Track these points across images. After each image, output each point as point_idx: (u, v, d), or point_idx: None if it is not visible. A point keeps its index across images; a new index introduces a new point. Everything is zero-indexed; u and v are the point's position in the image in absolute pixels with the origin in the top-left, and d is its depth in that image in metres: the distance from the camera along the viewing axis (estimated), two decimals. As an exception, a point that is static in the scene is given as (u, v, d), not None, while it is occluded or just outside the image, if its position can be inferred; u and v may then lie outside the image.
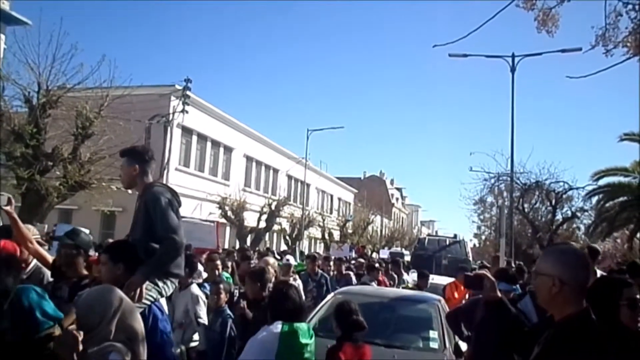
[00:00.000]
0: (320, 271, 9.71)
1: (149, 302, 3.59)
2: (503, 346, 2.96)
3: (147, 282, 3.57)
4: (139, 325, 2.86)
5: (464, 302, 7.76)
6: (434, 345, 6.12)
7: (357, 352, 4.03)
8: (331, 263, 11.82)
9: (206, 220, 15.83)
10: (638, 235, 22.61)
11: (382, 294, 7.42)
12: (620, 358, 2.44)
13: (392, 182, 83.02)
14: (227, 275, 7.89)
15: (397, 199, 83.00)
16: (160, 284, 3.70)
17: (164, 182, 24.34)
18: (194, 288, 5.97)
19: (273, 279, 6.04)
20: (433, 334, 6.27)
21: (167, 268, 3.71)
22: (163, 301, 4.01)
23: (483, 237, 45.19)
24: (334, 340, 4.26)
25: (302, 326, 3.55)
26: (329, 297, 7.31)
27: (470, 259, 21.06)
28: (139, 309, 3.39)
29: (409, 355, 5.73)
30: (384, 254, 19.62)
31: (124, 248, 3.78)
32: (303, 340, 3.47)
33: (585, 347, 2.28)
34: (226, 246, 20.23)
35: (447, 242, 21.83)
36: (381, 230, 55.69)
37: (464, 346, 6.39)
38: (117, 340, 2.67)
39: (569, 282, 2.41)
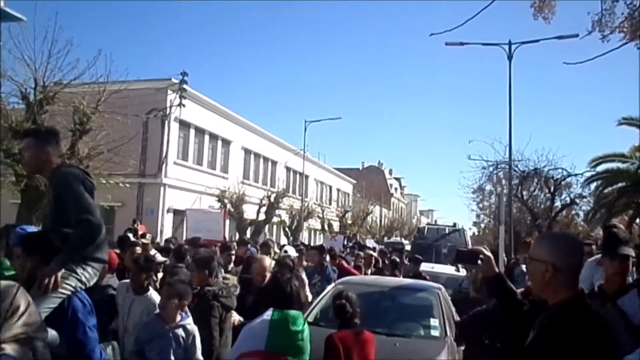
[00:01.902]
0: (327, 264, 9.33)
1: (67, 292, 3.33)
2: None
3: (64, 271, 3.29)
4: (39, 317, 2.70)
5: None
6: (435, 333, 6.17)
7: (357, 338, 4.05)
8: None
9: (212, 209, 15.93)
10: (637, 220, 22.65)
11: (383, 283, 7.47)
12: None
13: (390, 172, 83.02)
14: None
15: (395, 189, 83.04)
16: (79, 270, 3.40)
17: (163, 176, 24.49)
18: (153, 295, 5.14)
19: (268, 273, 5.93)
20: (434, 322, 6.32)
21: (86, 253, 3.42)
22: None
23: (482, 226, 45.31)
24: (335, 329, 4.30)
25: (293, 313, 3.55)
26: (329, 287, 7.36)
27: (470, 247, 21.08)
28: (57, 299, 3.23)
29: (410, 343, 5.78)
30: (370, 243, 19.49)
31: (39, 238, 3.54)
32: (293, 328, 3.47)
33: (581, 331, 2.30)
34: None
35: (447, 231, 21.87)
36: (380, 221, 55.79)
37: (464, 333, 6.44)
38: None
39: (562, 268, 2.45)
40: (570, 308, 2.41)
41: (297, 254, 9.18)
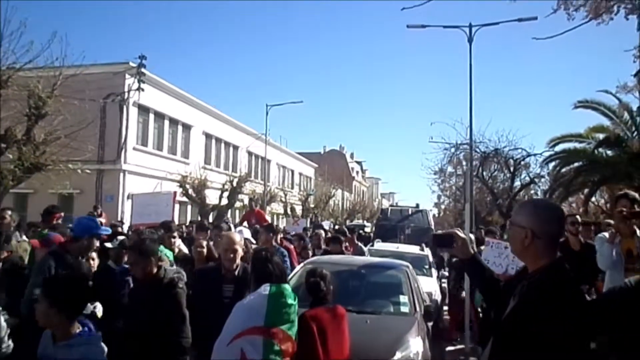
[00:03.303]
0: (277, 245, 8.88)
1: None
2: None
3: None
4: None
5: None
6: (404, 309, 6.26)
7: (330, 315, 4.05)
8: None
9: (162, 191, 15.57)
10: (592, 199, 23.33)
11: (351, 262, 7.51)
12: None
13: (352, 156, 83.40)
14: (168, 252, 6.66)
15: (357, 173, 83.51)
16: None
17: (122, 162, 24.03)
18: None
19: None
20: (403, 298, 6.42)
21: None
22: None
23: (442, 207, 46.09)
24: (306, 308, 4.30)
25: (287, 287, 3.63)
26: (298, 267, 7.37)
27: (432, 227, 21.43)
28: None
29: (381, 320, 5.85)
30: (326, 225, 19.52)
31: None
32: (289, 301, 3.53)
33: (560, 296, 2.33)
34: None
35: (410, 212, 22.12)
36: (343, 204, 56.09)
37: (433, 309, 6.57)
38: None
39: (541, 235, 2.49)
40: (548, 274, 2.44)
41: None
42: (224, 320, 3.59)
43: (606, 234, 5.47)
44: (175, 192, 12.66)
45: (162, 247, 6.09)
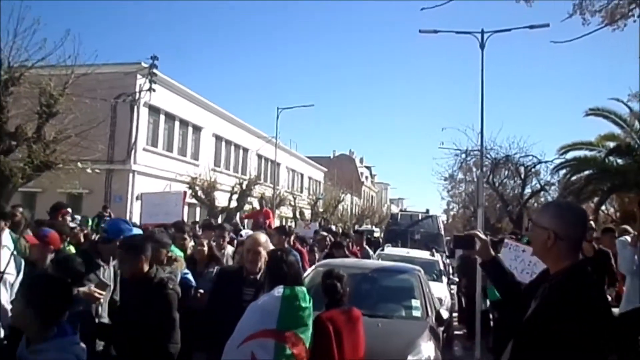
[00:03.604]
0: (290, 247, 8.52)
1: None
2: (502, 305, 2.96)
3: None
4: None
5: None
6: (416, 313, 6.18)
7: (346, 317, 3.98)
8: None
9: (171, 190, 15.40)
10: (603, 207, 23.14)
11: (363, 265, 7.45)
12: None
13: (361, 161, 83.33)
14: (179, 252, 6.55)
15: (366, 178, 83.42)
16: None
17: (132, 162, 24.07)
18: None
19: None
20: (415, 302, 6.34)
21: None
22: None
23: (452, 213, 45.93)
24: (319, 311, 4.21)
25: (301, 289, 3.52)
26: (309, 270, 7.29)
27: (442, 233, 21.31)
28: None
29: (392, 324, 5.77)
30: (314, 227, 19.17)
31: None
32: (303, 304, 3.43)
33: (582, 298, 2.28)
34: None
35: (420, 217, 22.03)
36: (351, 209, 56.02)
37: (445, 314, 6.47)
38: None
39: (563, 237, 2.44)
40: (571, 276, 2.39)
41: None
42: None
43: (628, 238, 5.38)
44: (185, 192, 12.46)
45: (173, 248, 6.05)
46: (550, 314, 2.30)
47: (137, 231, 5.65)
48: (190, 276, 5.75)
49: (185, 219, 25.27)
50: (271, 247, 4.57)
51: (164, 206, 11.37)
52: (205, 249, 6.31)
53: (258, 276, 4.32)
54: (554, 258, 2.50)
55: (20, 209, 6.54)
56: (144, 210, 11.74)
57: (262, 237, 4.63)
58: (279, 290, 3.43)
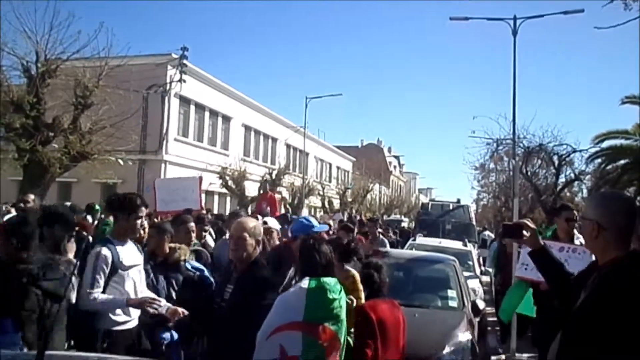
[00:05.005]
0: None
1: None
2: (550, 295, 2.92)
3: None
4: None
5: None
6: (453, 303, 6.17)
7: (388, 306, 3.98)
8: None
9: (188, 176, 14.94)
10: (639, 198, 22.62)
11: (399, 255, 7.46)
12: None
13: (389, 150, 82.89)
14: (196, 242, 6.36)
15: (394, 167, 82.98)
16: None
17: (164, 153, 24.30)
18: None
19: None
20: (451, 292, 6.32)
21: None
22: None
23: (482, 203, 45.43)
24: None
25: (330, 281, 3.42)
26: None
27: (474, 223, 21.08)
28: None
29: (429, 314, 5.76)
30: (338, 217, 18.82)
31: None
32: (331, 296, 3.35)
33: (630, 289, 2.26)
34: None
35: (451, 207, 21.80)
36: (380, 198, 55.83)
37: (481, 304, 6.42)
38: None
39: (607, 227, 2.42)
40: (619, 267, 2.37)
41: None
42: (217, 326, 3.41)
43: None
44: (201, 177, 11.63)
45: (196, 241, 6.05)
46: (599, 305, 2.29)
47: (322, 227, 5.66)
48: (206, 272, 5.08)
49: (216, 209, 25.56)
50: (260, 233, 4.03)
51: (181, 192, 10.92)
52: (194, 234, 5.98)
53: (241, 270, 3.88)
54: (601, 249, 2.48)
55: (32, 196, 6.36)
56: (159, 197, 11.09)
57: (251, 222, 4.09)
58: (305, 282, 3.39)
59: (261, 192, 13.46)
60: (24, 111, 12.15)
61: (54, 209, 4.49)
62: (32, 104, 12.15)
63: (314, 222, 5.40)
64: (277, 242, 6.28)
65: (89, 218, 9.04)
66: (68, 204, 7.23)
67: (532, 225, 2.97)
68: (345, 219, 20.45)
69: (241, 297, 3.69)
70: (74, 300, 3.80)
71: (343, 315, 3.42)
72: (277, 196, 14.93)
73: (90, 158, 13.81)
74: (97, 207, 9.50)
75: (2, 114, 12.30)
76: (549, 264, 2.93)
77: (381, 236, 11.73)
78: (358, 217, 21.46)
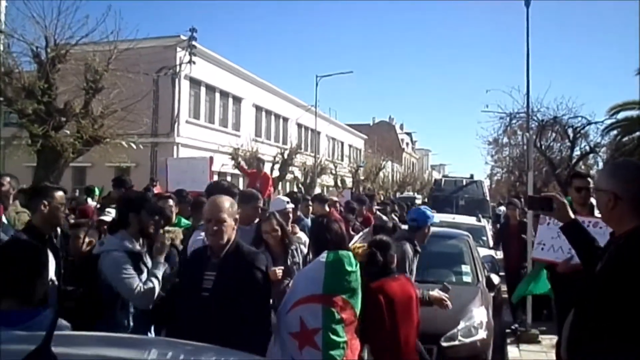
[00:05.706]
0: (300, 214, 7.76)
1: None
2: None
3: None
4: None
5: None
6: (467, 279, 6.17)
7: (399, 282, 3.98)
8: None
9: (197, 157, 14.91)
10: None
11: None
12: None
13: (401, 127, 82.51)
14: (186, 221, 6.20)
15: (407, 144, 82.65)
16: None
17: (176, 135, 24.36)
18: None
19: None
20: (466, 268, 6.32)
21: None
22: None
23: (495, 178, 45.14)
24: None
25: (346, 254, 3.50)
26: (356, 237, 7.28)
27: (488, 198, 20.97)
28: None
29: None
30: (347, 194, 18.40)
31: None
32: (348, 268, 3.42)
33: None
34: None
35: (464, 183, 21.68)
36: (393, 176, 55.72)
37: (495, 279, 6.41)
38: None
39: (623, 196, 2.38)
40: (635, 238, 2.31)
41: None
42: (201, 318, 3.14)
43: None
44: (211, 158, 11.56)
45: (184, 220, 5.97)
46: (615, 275, 2.26)
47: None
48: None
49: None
50: (236, 213, 3.54)
51: (190, 173, 10.70)
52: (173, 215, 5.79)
53: (222, 254, 3.39)
54: (617, 220, 2.43)
55: (8, 178, 6.06)
56: (170, 177, 11.01)
57: (226, 201, 3.53)
58: (323, 256, 3.46)
59: (254, 170, 12.78)
60: (35, 97, 12.19)
61: (136, 194, 4.62)
62: (43, 89, 12.17)
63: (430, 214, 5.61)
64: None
65: (90, 201, 9.06)
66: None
67: (562, 199, 2.92)
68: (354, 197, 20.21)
69: (233, 283, 3.25)
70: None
71: (359, 289, 3.50)
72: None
73: (102, 142, 13.84)
74: (96, 190, 9.47)
75: (15, 101, 12.36)
76: (582, 238, 2.86)
77: (378, 212, 11.19)
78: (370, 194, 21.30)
